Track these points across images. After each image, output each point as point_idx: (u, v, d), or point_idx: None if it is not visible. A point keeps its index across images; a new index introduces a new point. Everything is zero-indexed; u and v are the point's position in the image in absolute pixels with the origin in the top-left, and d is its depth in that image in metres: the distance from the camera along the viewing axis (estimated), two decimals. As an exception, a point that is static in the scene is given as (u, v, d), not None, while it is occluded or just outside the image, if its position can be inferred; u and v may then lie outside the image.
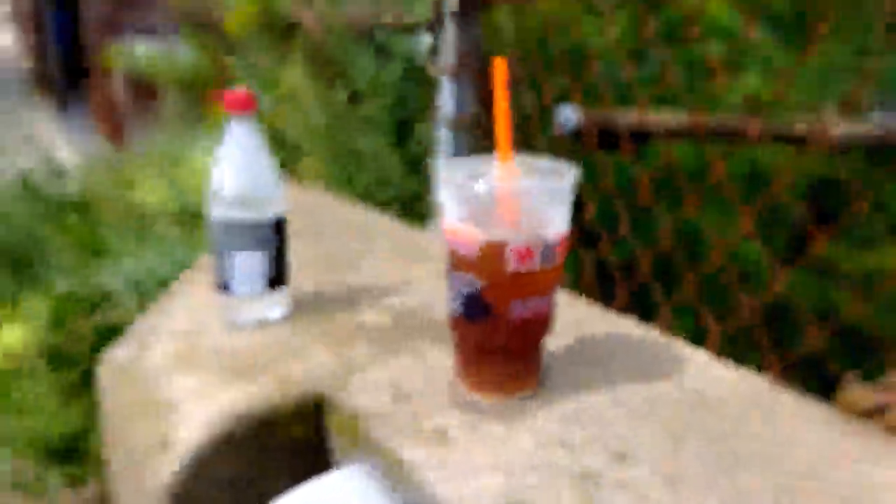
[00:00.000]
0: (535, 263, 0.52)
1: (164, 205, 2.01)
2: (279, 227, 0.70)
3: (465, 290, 0.54)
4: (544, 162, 0.56)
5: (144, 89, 4.35)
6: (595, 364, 0.62)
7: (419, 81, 1.47)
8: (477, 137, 1.31)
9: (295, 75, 1.98)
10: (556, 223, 0.53)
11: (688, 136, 1.09)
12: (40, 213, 1.92)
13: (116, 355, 0.69)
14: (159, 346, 0.66)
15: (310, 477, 0.56)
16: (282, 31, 2.05)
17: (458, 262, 0.54)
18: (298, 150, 2.02)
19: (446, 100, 1.31)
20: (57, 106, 7.64)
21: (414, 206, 1.40)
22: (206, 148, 2.22)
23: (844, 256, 1.02)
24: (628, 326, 0.70)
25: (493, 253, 0.52)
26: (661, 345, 0.66)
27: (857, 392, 0.56)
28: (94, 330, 1.55)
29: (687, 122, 1.07)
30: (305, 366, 0.62)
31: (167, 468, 0.53)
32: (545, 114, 1.22)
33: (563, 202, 0.54)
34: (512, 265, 0.52)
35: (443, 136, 1.32)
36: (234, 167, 0.69)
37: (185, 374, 0.61)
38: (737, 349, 0.76)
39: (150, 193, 2.02)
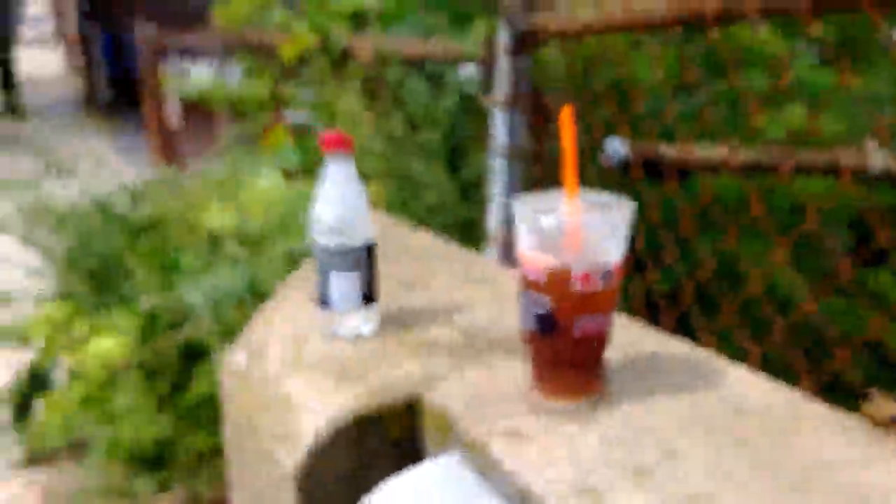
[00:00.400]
0: (596, 286, 0.63)
1: (228, 227, 2.17)
2: (370, 251, 0.83)
3: (537, 309, 0.65)
4: (604, 197, 0.67)
5: (197, 112, 4.61)
6: (648, 376, 0.72)
7: (472, 112, 1.59)
8: (528, 165, 1.43)
9: (350, 102, 2.13)
10: (614, 251, 0.64)
11: (730, 169, 1.19)
12: (116, 233, 2.10)
13: (235, 361, 0.82)
14: (273, 353, 0.79)
15: (407, 468, 0.68)
16: (337, 60, 2.21)
17: (530, 284, 0.66)
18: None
19: (498, 129, 1.43)
20: (107, 127, 8.05)
21: (467, 231, 1.52)
22: (265, 172, 2.39)
23: (873, 282, 1.09)
24: (675, 345, 0.80)
25: (560, 277, 0.63)
26: (705, 361, 0.76)
27: (880, 404, 0.65)
28: (179, 344, 1.70)
29: (729, 156, 1.17)
30: (398, 373, 0.74)
31: (293, 456, 0.65)
32: (593, 146, 1.33)
33: (620, 233, 0.65)
34: (576, 287, 0.63)
35: (496, 164, 1.44)
36: (333, 200, 0.82)
37: (299, 377, 0.73)
38: (774, 369, 0.85)
39: (215, 216, 2.19)
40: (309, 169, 2.44)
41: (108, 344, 1.68)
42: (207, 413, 1.74)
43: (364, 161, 2.04)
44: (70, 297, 2.06)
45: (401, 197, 1.75)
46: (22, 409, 2.35)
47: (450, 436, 0.66)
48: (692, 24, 0.94)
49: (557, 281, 0.63)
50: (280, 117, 2.87)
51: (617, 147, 1.21)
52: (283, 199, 2.22)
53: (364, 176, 1.98)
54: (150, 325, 1.73)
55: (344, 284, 0.81)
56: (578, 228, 0.65)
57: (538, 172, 1.38)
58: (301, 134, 2.64)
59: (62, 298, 2.07)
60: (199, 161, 4.12)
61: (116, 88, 9.79)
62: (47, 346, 1.80)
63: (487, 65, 1.44)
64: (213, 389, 1.79)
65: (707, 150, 1.17)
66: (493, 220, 1.40)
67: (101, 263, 2.03)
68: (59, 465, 2.23)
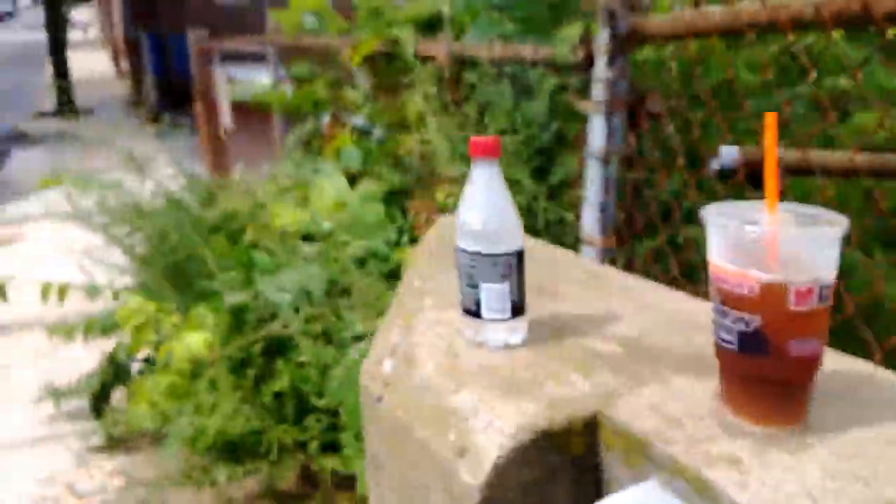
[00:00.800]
0: (812, 303, 0.56)
1: (298, 227, 2.12)
2: (520, 258, 0.75)
3: (740, 327, 0.57)
4: (811, 209, 0.59)
5: (247, 114, 4.56)
6: (841, 397, 0.63)
7: (564, 115, 1.51)
8: (625, 169, 1.35)
9: (418, 105, 2.06)
10: (829, 266, 0.56)
11: (844, 173, 1.10)
12: (192, 230, 2.05)
13: (378, 367, 0.75)
14: (424, 361, 0.72)
15: (584, 489, 0.61)
16: (406, 64, 2.13)
17: (729, 300, 0.58)
18: (422, 177, 2.10)
19: (595, 132, 1.35)
20: (156, 128, 8.06)
21: (551, 233, 1.44)
22: (330, 174, 2.33)
23: None
24: (849, 361, 0.71)
25: (773, 293, 0.55)
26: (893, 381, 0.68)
27: None
28: (264, 340, 1.65)
29: (844, 159, 1.08)
30: (566, 388, 0.67)
31: (476, 472, 0.58)
32: (695, 149, 1.24)
33: (834, 246, 0.57)
34: (792, 305, 0.55)
35: (591, 167, 1.36)
36: (482, 205, 0.74)
37: (462, 389, 0.66)
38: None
39: (286, 215, 2.13)
40: (368, 171, 2.38)
41: (197, 338, 1.63)
42: (289, 406, 1.69)
43: (431, 162, 1.98)
44: (149, 292, 2.02)
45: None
46: (101, 397, 2.32)
47: (639, 456, 0.59)
48: (855, 23, 0.85)
49: (770, 297, 0.55)
50: (337, 120, 2.80)
51: (728, 153, 1.13)
52: (351, 201, 2.16)
53: (439, 179, 1.91)
54: (236, 321, 1.68)
55: (493, 293, 0.74)
56: (791, 241, 0.57)
57: (636, 176, 1.30)
58: (360, 137, 2.58)
59: (143, 293, 2.03)
60: (249, 162, 4.08)
61: (161, 90, 9.83)
62: (135, 338, 1.76)
63: (583, 67, 1.36)
64: (294, 383, 1.74)
65: (823, 154, 1.09)
66: (588, 224, 1.32)
67: (179, 259, 1.98)
68: (136, 451, 2.20)
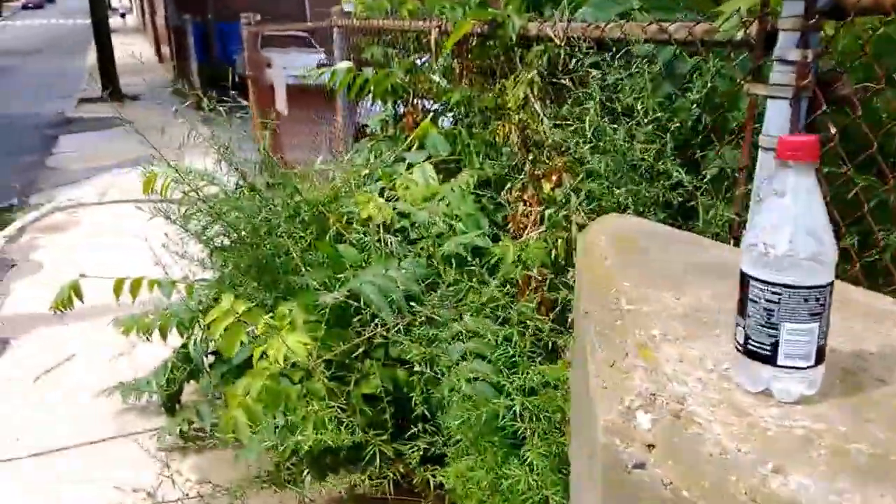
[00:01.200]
0: None
1: (382, 218, 1.95)
2: (832, 292, 0.57)
3: None
4: None
5: (303, 101, 4.39)
6: None
7: (719, 101, 1.32)
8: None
9: (521, 90, 1.87)
10: None
11: None
12: (275, 223, 1.90)
13: (634, 425, 0.57)
14: (704, 419, 0.55)
15: None
16: (506, 46, 1.94)
17: None
18: (520, 167, 1.91)
19: (770, 120, 1.15)
20: (203, 116, 7.97)
21: (710, 234, 1.25)
22: (417, 163, 2.16)
23: None
24: None
25: None
26: None
27: None
28: (363, 343, 1.50)
29: None
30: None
31: None
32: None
33: None
34: None
35: (763, 158, 1.16)
36: (796, 225, 0.56)
37: (788, 468, 0.49)
38: None
39: (372, 206, 1.96)
40: (457, 160, 2.20)
41: (295, 340, 1.47)
42: (381, 408, 1.53)
43: (540, 154, 1.79)
44: (231, 286, 1.88)
45: (602, 191, 1.48)
46: (174, 395, 2.20)
47: None
48: None
49: None
50: (415, 106, 2.62)
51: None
52: (443, 191, 1.98)
53: (548, 169, 1.70)
54: (331, 321, 1.52)
55: (799, 335, 0.56)
56: None
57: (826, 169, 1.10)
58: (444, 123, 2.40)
59: (222, 287, 1.89)
60: (306, 148, 3.92)
61: (204, 76, 9.75)
62: (228, 340, 1.62)
63: (758, 46, 1.16)
64: (385, 384, 1.59)
65: None
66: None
67: (263, 253, 1.83)
68: (211, 450, 2.08)
